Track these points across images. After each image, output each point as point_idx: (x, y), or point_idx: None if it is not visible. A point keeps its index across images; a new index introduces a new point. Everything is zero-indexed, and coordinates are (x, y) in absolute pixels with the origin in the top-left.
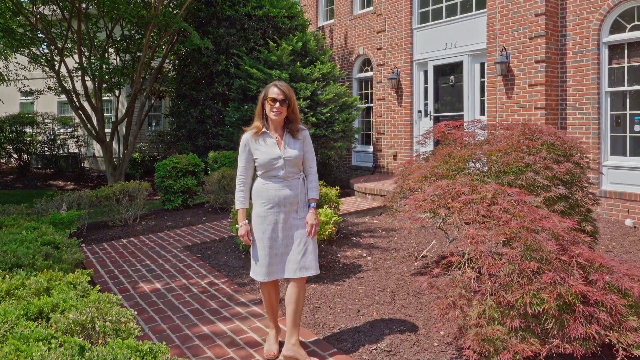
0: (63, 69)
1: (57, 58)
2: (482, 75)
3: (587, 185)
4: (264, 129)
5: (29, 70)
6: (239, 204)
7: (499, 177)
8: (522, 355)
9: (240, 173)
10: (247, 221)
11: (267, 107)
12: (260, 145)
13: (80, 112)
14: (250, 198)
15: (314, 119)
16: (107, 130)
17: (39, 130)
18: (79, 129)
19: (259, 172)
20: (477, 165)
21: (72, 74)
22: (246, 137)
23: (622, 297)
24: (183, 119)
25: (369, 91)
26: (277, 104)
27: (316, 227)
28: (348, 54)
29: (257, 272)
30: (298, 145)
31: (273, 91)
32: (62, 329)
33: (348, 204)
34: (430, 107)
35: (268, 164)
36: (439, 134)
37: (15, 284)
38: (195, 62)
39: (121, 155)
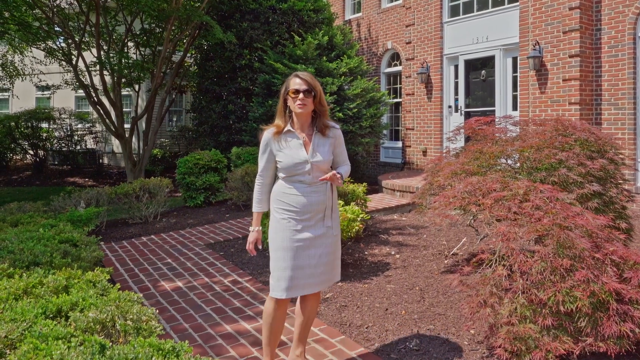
0: (81, 64)
1: (75, 52)
2: (515, 69)
3: (621, 182)
4: (288, 127)
5: (45, 65)
6: (257, 207)
7: (531, 174)
8: (555, 354)
9: (260, 174)
10: (260, 228)
11: (290, 101)
12: (283, 147)
13: (99, 108)
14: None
15: (340, 114)
16: (127, 125)
17: (55, 126)
18: (97, 125)
19: (281, 175)
20: (509, 161)
21: (90, 69)
22: (267, 136)
23: None
24: (205, 115)
25: (398, 86)
26: (301, 95)
27: (335, 177)
28: (376, 48)
29: (277, 287)
30: (328, 147)
31: (295, 82)
32: (81, 328)
33: (376, 201)
34: (461, 102)
35: (292, 168)
36: (470, 130)
37: (33, 282)
38: (217, 57)
39: (141, 152)
